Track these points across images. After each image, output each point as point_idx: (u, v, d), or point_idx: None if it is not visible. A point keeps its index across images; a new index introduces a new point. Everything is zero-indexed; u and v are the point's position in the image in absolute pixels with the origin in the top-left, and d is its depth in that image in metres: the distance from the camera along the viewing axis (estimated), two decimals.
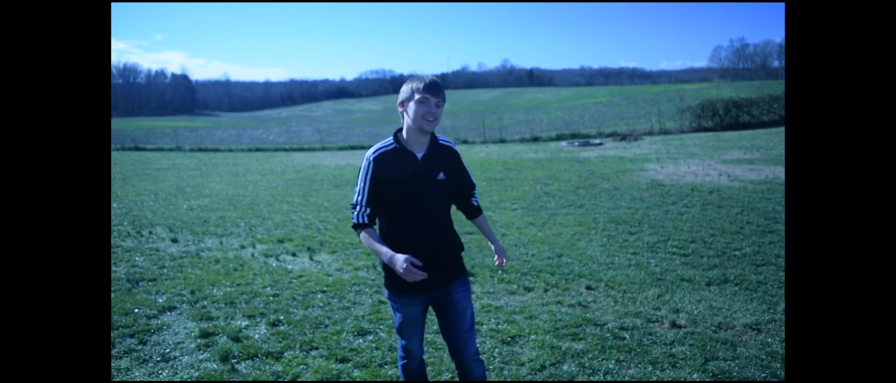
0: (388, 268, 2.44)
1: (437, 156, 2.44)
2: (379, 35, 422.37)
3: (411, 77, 2.39)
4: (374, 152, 2.41)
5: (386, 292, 2.59)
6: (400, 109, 2.41)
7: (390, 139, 2.43)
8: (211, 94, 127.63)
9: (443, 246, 2.48)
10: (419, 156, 2.40)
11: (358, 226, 2.43)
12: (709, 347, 3.64)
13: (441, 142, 2.50)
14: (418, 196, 2.39)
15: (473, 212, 2.70)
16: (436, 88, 2.32)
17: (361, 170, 2.43)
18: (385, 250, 2.31)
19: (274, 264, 6.00)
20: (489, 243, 2.74)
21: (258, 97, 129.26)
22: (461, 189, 2.59)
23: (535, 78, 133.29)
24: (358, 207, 2.42)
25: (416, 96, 2.31)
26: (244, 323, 4.26)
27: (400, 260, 2.22)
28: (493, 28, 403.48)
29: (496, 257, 2.68)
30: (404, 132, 2.42)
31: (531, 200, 9.40)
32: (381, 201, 2.40)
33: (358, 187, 2.44)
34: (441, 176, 2.42)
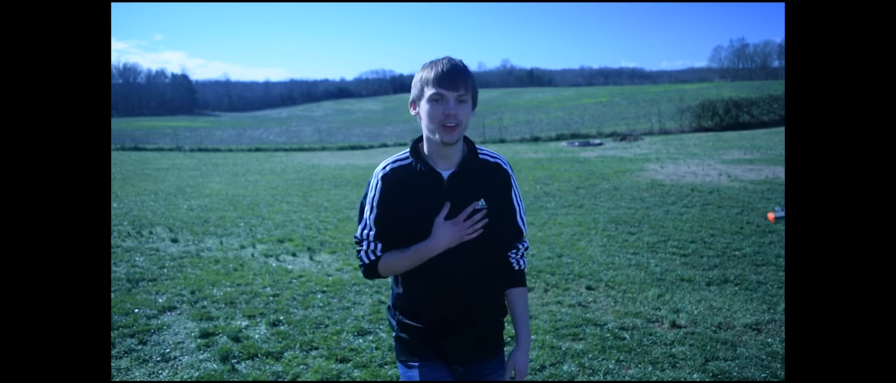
0: (400, 337, 1.81)
1: (472, 176, 1.70)
2: (379, 35, 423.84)
3: (425, 64, 1.63)
4: (382, 168, 1.72)
5: (399, 368, 1.84)
6: (413, 112, 1.68)
7: (406, 152, 1.72)
8: (211, 94, 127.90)
9: (475, 304, 1.76)
10: (445, 175, 1.68)
11: (368, 268, 1.74)
12: (709, 347, 3.64)
13: (483, 156, 1.74)
14: None
15: (511, 277, 1.82)
16: (453, 78, 1.56)
17: (367, 193, 1.74)
18: (417, 246, 1.67)
19: (274, 264, 6.00)
20: (515, 335, 1.87)
21: (258, 97, 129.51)
22: (500, 227, 1.76)
23: (535, 78, 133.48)
24: (365, 243, 1.73)
25: (427, 92, 1.59)
26: (244, 323, 4.27)
27: (440, 220, 1.65)
28: (493, 28, 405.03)
29: (512, 367, 1.82)
30: (424, 143, 1.71)
31: (531, 200, 9.40)
32: (396, 235, 1.71)
33: (364, 218, 1.74)
34: (480, 203, 1.69)
